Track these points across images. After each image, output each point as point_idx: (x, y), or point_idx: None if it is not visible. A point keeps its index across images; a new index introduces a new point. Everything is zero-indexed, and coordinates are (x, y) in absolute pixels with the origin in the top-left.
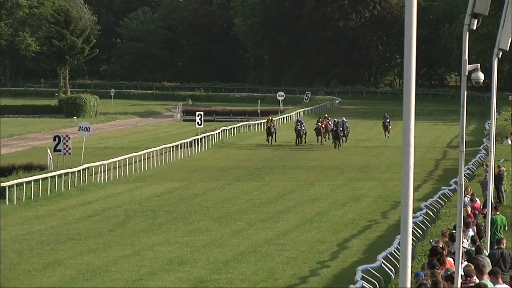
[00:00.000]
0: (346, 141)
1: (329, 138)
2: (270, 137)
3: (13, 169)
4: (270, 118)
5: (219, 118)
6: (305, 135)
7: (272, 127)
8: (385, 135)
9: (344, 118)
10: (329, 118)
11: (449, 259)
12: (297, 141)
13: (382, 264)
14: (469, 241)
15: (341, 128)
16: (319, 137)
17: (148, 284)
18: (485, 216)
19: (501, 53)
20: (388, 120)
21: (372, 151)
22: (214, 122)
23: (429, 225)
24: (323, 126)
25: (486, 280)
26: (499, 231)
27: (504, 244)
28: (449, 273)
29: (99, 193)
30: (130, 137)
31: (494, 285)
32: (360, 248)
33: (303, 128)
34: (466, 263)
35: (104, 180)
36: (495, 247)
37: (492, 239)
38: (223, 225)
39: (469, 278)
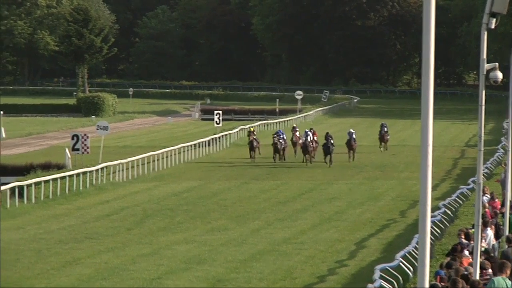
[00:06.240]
0: (353, 156)
1: (295, 153)
2: (253, 152)
3: (31, 168)
4: (252, 129)
5: (237, 117)
6: (284, 151)
7: (254, 140)
8: (380, 146)
9: (351, 130)
10: (297, 129)
11: (466, 258)
12: (275, 156)
13: (401, 263)
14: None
15: (331, 141)
16: (306, 156)
17: (166, 283)
18: (504, 215)
19: None
20: (386, 130)
21: (390, 150)
22: (232, 121)
23: (448, 224)
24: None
25: (504, 277)
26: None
27: None
28: (465, 273)
29: (117, 192)
30: (148, 136)
31: None
32: (378, 247)
33: (281, 141)
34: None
35: (122, 179)
36: (506, 246)
37: None
38: (241, 224)
39: (484, 271)
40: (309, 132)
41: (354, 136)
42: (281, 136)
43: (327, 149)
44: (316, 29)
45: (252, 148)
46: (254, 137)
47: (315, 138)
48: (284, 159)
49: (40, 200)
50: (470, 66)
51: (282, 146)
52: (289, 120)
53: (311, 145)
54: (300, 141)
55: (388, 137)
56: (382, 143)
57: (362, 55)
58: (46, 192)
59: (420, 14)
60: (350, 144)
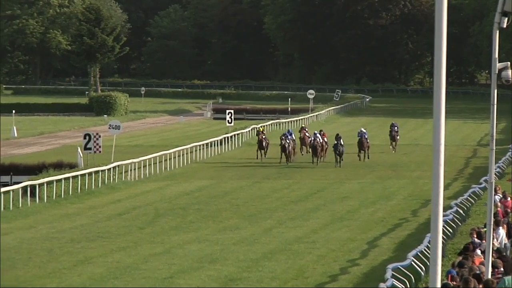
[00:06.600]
0: (367, 156)
1: (307, 152)
2: (262, 151)
3: (43, 167)
4: (261, 129)
5: (249, 116)
6: (292, 152)
7: (264, 140)
8: (391, 146)
9: (362, 129)
10: (307, 129)
11: (478, 257)
12: (282, 157)
13: (412, 263)
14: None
15: (341, 142)
16: (315, 156)
17: (178, 282)
18: None
19: None
20: (396, 129)
21: (402, 149)
22: (244, 120)
23: (459, 223)
24: (308, 136)
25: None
26: None
27: None
28: (477, 272)
29: (129, 191)
30: (160, 135)
31: None
32: (390, 246)
33: (288, 142)
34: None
35: (134, 178)
36: None
37: None
38: (253, 223)
39: (496, 270)
40: (318, 134)
41: (366, 136)
42: (289, 137)
43: (337, 150)
44: (328, 28)
45: (261, 147)
46: (263, 136)
47: (325, 139)
48: (290, 161)
49: (52, 199)
50: (482, 65)
51: (290, 147)
52: (301, 119)
53: (320, 146)
54: (310, 139)
55: (398, 137)
56: (393, 143)
57: (374, 54)
58: (58, 191)
59: (432, 13)
60: (361, 143)
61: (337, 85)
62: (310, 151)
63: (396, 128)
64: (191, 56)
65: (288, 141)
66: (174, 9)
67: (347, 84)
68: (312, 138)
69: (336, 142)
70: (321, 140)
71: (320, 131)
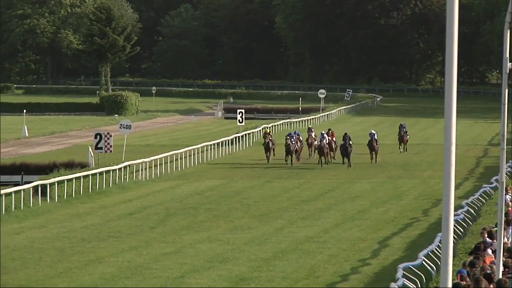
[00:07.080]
0: (376, 157)
1: (313, 155)
2: (269, 153)
3: (54, 166)
4: (268, 131)
5: (260, 115)
6: (299, 151)
7: (270, 141)
8: (399, 147)
9: (372, 131)
10: (313, 130)
11: (489, 256)
12: (287, 158)
13: (423, 262)
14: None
15: (349, 142)
16: (322, 158)
17: (189, 282)
18: None
19: None
20: (405, 130)
21: (413, 148)
22: (255, 119)
23: (470, 222)
24: (314, 139)
25: None
26: None
27: None
28: (488, 272)
29: (140, 191)
30: (171, 135)
31: None
32: (401, 246)
33: (293, 142)
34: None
35: (145, 178)
36: None
37: None
38: (264, 223)
39: (507, 269)
40: (325, 135)
41: (375, 137)
42: (294, 138)
43: (345, 151)
44: (339, 28)
45: (267, 149)
46: (270, 138)
47: (334, 139)
48: (298, 160)
49: (63, 199)
50: (493, 64)
51: (295, 148)
52: (312, 118)
53: (327, 148)
54: (316, 142)
55: (408, 137)
56: (402, 144)
57: (385, 54)
58: (69, 191)
59: (443, 12)
60: (371, 145)
61: (348, 84)
62: (317, 152)
63: (404, 129)
64: (202, 56)
65: (293, 141)
66: (185, 9)
67: (358, 84)
68: (319, 140)
69: (344, 142)
70: (328, 141)
71: (329, 130)
